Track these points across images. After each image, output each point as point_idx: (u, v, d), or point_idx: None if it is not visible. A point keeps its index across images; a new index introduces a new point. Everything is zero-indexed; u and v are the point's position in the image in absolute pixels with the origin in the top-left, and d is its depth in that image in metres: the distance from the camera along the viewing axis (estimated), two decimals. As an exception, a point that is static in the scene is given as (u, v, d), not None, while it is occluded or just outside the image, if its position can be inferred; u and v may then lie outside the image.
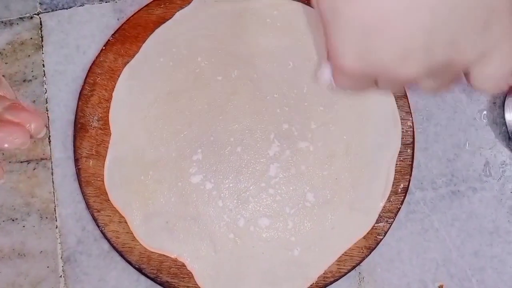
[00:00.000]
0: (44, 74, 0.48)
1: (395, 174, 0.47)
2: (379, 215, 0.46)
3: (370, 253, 0.46)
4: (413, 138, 0.47)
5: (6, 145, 0.35)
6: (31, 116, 0.36)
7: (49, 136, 0.47)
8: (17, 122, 0.35)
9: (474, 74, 0.32)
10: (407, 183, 0.47)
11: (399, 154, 0.47)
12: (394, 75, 0.30)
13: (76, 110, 0.46)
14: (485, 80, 0.32)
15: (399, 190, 0.46)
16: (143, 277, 0.45)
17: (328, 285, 0.45)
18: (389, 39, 0.28)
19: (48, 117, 0.47)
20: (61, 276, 0.46)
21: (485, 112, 0.49)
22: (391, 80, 0.31)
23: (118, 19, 0.49)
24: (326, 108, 0.47)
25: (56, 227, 0.46)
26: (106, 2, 0.49)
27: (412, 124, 0.47)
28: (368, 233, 0.46)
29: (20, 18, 0.49)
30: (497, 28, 0.31)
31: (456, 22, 0.29)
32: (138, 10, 0.48)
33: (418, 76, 0.30)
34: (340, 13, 0.29)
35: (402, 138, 0.47)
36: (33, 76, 0.48)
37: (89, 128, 0.46)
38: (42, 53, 0.48)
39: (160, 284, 0.45)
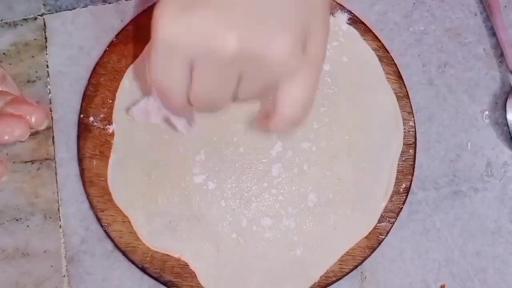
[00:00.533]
0: (48, 75, 0.48)
1: (397, 174, 0.47)
2: (381, 215, 0.46)
3: (372, 253, 0.46)
4: (415, 139, 0.47)
5: (6, 137, 0.35)
6: (32, 108, 0.36)
7: (53, 136, 0.47)
8: (18, 114, 0.36)
9: (279, 93, 0.31)
10: (409, 183, 0.47)
11: (401, 155, 0.47)
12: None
13: (80, 111, 0.46)
14: (290, 103, 0.31)
15: (401, 190, 0.47)
16: (146, 277, 0.45)
17: (330, 285, 0.45)
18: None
19: (52, 117, 0.47)
20: (64, 276, 0.46)
21: (487, 113, 0.49)
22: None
23: (121, 20, 0.49)
24: (328, 109, 0.47)
25: (60, 227, 0.46)
26: (110, 3, 0.49)
27: (414, 124, 0.48)
28: (370, 233, 0.46)
29: (24, 19, 0.49)
30: (312, 48, 0.30)
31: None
32: (141, 12, 0.48)
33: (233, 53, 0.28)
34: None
35: (404, 139, 0.47)
36: (37, 77, 0.48)
37: (92, 129, 0.46)
38: (46, 54, 0.48)
39: (163, 283, 0.45)
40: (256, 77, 0.31)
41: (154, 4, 0.48)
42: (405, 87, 0.48)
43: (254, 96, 0.33)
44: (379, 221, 0.46)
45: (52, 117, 0.48)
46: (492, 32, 0.50)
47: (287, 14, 0.29)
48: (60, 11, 0.49)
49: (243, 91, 0.32)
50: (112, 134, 0.46)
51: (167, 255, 0.45)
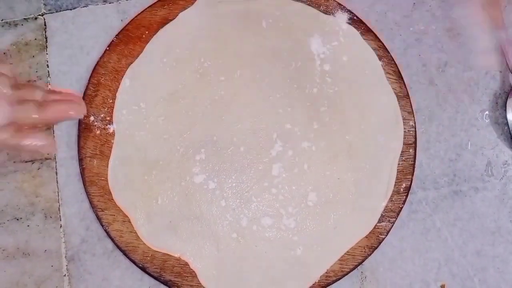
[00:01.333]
0: (49, 75, 0.48)
1: (397, 174, 0.47)
2: (381, 214, 0.46)
3: (373, 252, 0.46)
4: (415, 138, 0.47)
5: (71, 112, 0.36)
6: (73, 96, 0.38)
7: (54, 136, 0.47)
8: (69, 99, 0.37)
9: None
10: (409, 183, 0.47)
11: (401, 154, 0.47)
12: None
13: (80, 110, 0.47)
14: None
15: (401, 189, 0.47)
16: (146, 276, 0.46)
17: (330, 284, 0.45)
18: None
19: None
20: (65, 275, 0.46)
21: (487, 112, 0.49)
22: None
23: (121, 20, 0.49)
24: (328, 108, 0.47)
25: (60, 226, 0.47)
26: (110, 3, 0.49)
27: (414, 124, 0.48)
28: (370, 232, 0.46)
29: (24, 19, 0.49)
30: None
31: None
32: (142, 11, 0.48)
33: None
34: None
35: (404, 138, 0.47)
36: (37, 77, 0.48)
37: (93, 128, 0.46)
38: (46, 53, 0.48)
39: (163, 283, 0.45)
40: None
41: (154, 4, 0.48)
42: (405, 87, 0.48)
43: None
44: (379, 221, 0.46)
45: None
46: (492, 32, 0.50)
47: None
48: (60, 11, 0.49)
49: None
50: (113, 134, 0.46)
51: (168, 254, 0.45)
